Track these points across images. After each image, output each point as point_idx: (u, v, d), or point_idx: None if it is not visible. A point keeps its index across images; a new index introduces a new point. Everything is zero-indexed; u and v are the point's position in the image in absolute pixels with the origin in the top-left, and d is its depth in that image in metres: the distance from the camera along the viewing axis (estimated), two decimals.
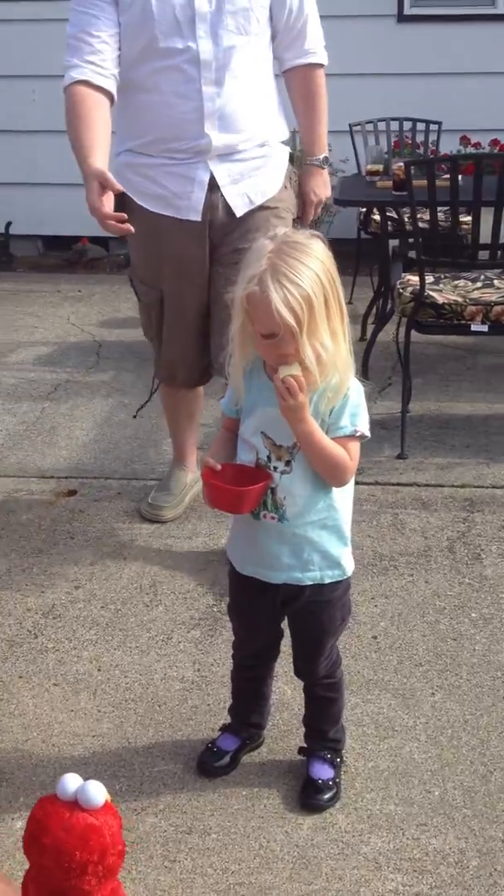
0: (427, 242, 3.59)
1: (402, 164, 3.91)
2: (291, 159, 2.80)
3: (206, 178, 2.57)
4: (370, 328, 4.55)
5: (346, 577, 1.88)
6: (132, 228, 2.29)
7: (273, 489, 1.78)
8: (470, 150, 5.48)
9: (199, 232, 2.63)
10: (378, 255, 4.64)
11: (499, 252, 3.60)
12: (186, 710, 2.21)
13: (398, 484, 3.37)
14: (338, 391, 1.73)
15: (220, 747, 2.03)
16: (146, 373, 3.84)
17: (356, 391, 1.76)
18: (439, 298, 3.55)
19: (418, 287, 3.53)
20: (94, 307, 5.45)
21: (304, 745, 2.02)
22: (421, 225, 3.57)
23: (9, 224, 6.70)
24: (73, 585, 2.71)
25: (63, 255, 6.50)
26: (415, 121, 5.53)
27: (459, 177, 3.43)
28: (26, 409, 3.97)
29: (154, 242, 2.67)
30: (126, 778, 2.01)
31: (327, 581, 1.85)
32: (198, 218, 2.60)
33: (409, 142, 5.51)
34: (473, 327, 3.56)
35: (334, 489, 1.80)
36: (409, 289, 3.62)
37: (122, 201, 2.50)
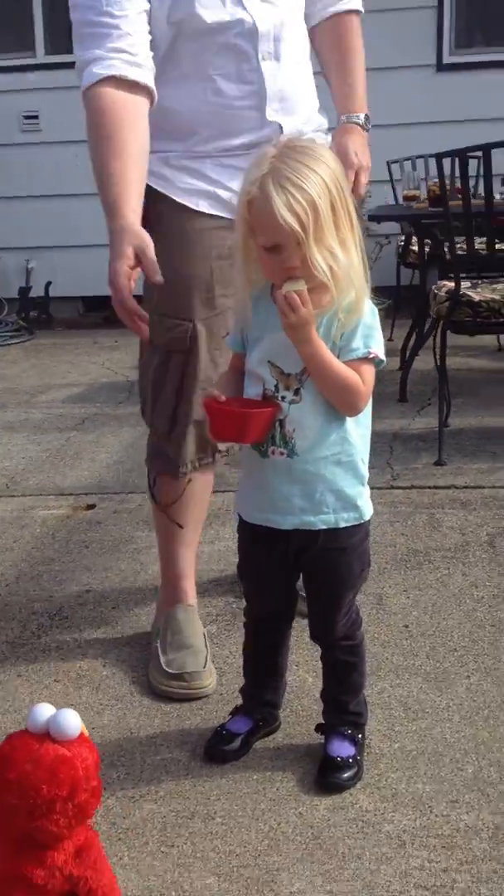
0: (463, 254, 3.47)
1: (435, 180, 3.83)
2: None
3: None
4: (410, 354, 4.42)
5: (363, 520, 1.70)
6: (147, 335, 1.78)
7: (281, 421, 1.63)
8: None
9: None
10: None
11: None
12: (197, 702, 2.03)
13: (435, 487, 3.20)
14: (352, 311, 1.58)
15: (231, 730, 1.84)
16: None
17: (370, 313, 1.61)
18: (475, 297, 3.41)
19: (454, 288, 3.40)
20: (131, 354, 5.36)
21: (322, 722, 1.82)
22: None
23: (48, 284, 6.76)
24: (83, 589, 2.56)
25: (102, 314, 6.52)
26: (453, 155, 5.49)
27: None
28: (51, 439, 3.88)
29: (194, 254, 2.01)
30: (125, 766, 1.83)
31: (343, 525, 1.67)
32: None
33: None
34: None
35: (348, 421, 1.64)
36: (445, 289, 3.48)
37: (151, 199, 1.92)
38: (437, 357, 3.59)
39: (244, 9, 1.93)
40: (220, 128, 1.99)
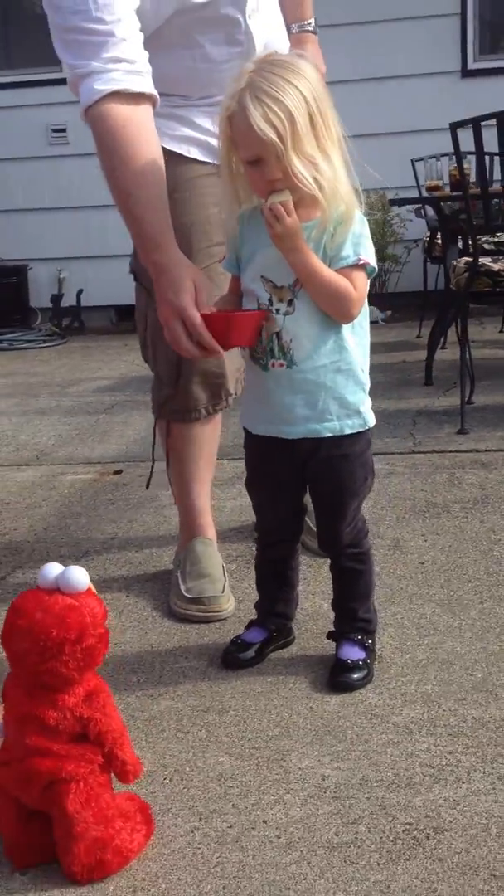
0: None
1: (455, 165, 3.91)
2: None
3: None
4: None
5: (366, 426, 1.76)
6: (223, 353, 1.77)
7: (278, 333, 1.69)
8: None
9: None
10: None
11: None
12: (215, 623, 2.09)
13: (456, 451, 3.24)
14: (343, 223, 1.63)
15: (246, 640, 1.90)
16: None
17: (360, 222, 1.66)
18: (495, 266, 3.48)
19: (472, 258, 3.47)
20: None
21: (333, 629, 1.87)
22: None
23: (80, 292, 6.91)
24: (108, 537, 2.64)
25: (134, 323, 6.63)
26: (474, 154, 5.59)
27: None
28: (81, 421, 3.98)
29: (189, 202, 2.02)
30: (144, 673, 1.89)
31: (348, 431, 1.72)
32: None
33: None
34: None
35: (344, 330, 1.70)
36: (464, 261, 3.55)
37: None
38: (459, 328, 3.65)
39: None
40: (209, 88, 1.99)
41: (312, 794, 1.47)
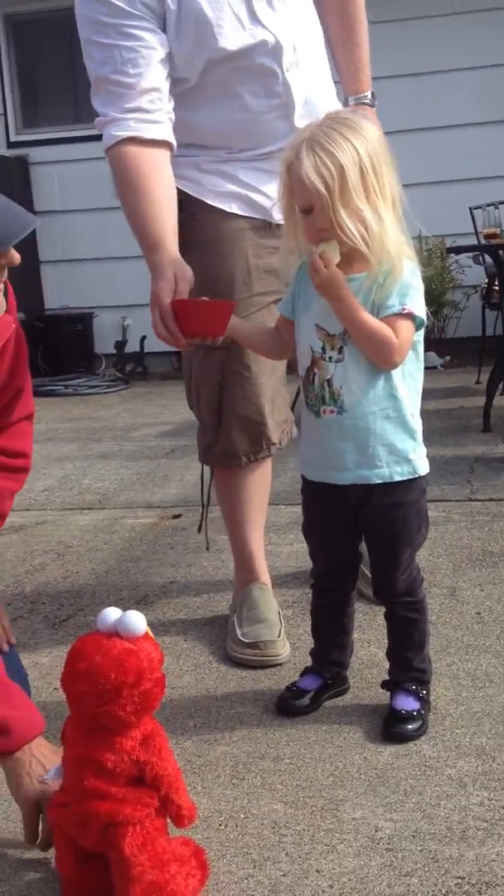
0: None
1: None
2: None
3: None
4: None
5: (417, 475, 1.78)
6: (185, 347, 1.89)
7: (329, 381, 1.74)
8: None
9: None
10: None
11: None
12: (272, 669, 2.11)
13: None
14: (391, 275, 1.68)
15: (301, 687, 1.92)
16: None
17: (410, 273, 1.70)
18: None
19: None
20: None
21: (388, 679, 1.88)
22: None
23: (143, 338, 7.04)
24: (167, 581, 2.68)
25: None
26: None
27: None
28: (142, 465, 4.05)
29: (230, 255, 2.09)
30: (201, 717, 1.92)
31: (396, 478, 1.75)
32: None
33: None
34: None
35: (395, 377, 1.73)
36: None
37: (183, 204, 2.04)
38: None
39: (264, 27, 1.98)
40: (250, 140, 2.07)
41: (365, 844, 1.48)
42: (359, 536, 1.87)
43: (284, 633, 2.18)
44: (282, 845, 1.49)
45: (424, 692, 1.84)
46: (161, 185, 1.95)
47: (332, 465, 1.78)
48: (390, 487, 1.76)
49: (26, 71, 7.51)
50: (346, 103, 2.24)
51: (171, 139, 1.97)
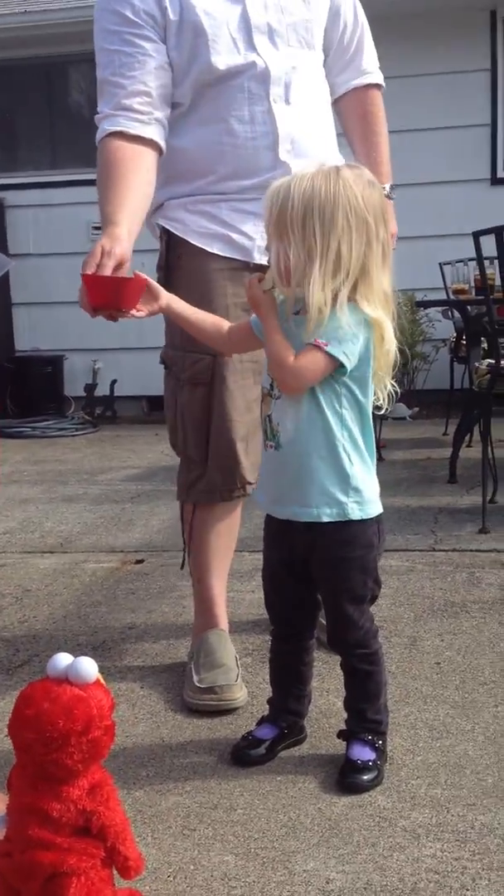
0: None
1: (478, 273, 4.01)
2: None
3: None
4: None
5: (346, 518, 1.73)
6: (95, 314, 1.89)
7: (269, 416, 1.78)
8: None
9: None
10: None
11: None
12: (228, 717, 2.09)
13: (477, 550, 3.25)
14: (310, 311, 1.64)
15: (257, 736, 1.90)
16: None
17: (345, 319, 1.66)
18: None
19: (494, 361, 3.52)
20: None
21: (345, 729, 1.87)
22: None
23: (114, 382, 7.05)
24: (126, 626, 2.66)
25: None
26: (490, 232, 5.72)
27: None
28: (107, 509, 4.03)
29: (210, 293, 2.15)
30: (154, 766, 1.89)
31: (325, 519, 1.73)
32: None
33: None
34: None
35: (330, 419, 1.71)
36: (486, 362, 3.61)
37: (171, 244, 2.19)
38: (482, 426, 3.68)
39: (257, 53, 2.09)
40: (235, 167, 2.12)
41: None
42: (313, 584, 1.86)
43: (241, 678, 2.16)
44: None
45: (381, 742, 1.83)
46: (134, 172, 2.03)
47: (274, 498, 1.81)
48: (330, 536, 1.75)
49: (4, 116, 7.57)
50: None
51: (159, 140, 2.09)
